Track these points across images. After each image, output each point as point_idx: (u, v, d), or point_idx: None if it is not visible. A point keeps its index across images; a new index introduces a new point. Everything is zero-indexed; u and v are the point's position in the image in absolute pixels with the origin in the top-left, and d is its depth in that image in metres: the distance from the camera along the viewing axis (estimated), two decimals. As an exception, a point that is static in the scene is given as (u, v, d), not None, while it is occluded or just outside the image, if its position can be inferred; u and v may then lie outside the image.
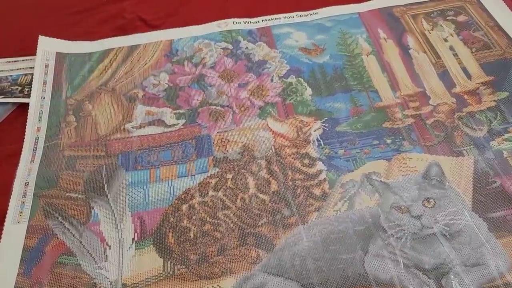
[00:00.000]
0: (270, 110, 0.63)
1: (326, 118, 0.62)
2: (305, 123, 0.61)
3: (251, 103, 0.65)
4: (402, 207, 0.51)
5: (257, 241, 0.51)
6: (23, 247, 0.51)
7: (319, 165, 0.57)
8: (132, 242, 0.52)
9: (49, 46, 0.72)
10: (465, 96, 0.63)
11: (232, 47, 0.72)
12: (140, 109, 0.65)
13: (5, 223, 0.53)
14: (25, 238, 0.52)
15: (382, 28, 0.73)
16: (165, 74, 0.69)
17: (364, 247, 0.49)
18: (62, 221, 0.53)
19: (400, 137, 0.59)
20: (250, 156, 0.58)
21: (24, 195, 0.56)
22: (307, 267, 0.48)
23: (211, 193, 0.55)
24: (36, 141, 0.61)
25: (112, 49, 0.73)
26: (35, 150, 0.60)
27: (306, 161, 0.57)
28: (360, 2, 0.77)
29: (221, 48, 0.72)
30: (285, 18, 0.76)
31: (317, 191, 0.54)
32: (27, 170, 0.58)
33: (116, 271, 0.49)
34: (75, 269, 0.49)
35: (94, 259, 0.50)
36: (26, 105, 0.65)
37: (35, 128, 0.63)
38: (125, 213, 0.54)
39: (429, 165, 0.55)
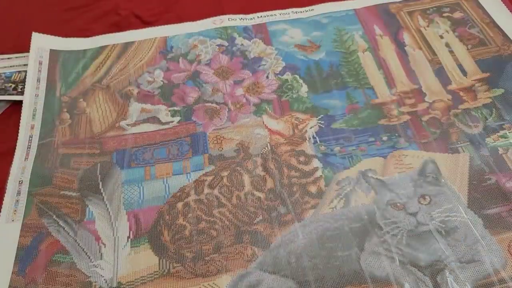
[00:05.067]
0: (266, 107, 0.63)
1: (322, 115, 0.62)
2: (301, 120, 0.61)
3: (246, 100, 0.64)
4: (398, 204, 0.51)
5: (252, 238, 0.51)
6: (18, 245, 0.51)
7: (315, 163, 0.57)
8: (127, 240, 0.51)
9: (42, 43, 0.72)
10: (461, 93, 0.63)
11: (227, 44, 0.72)
12: (135, 106, 0.64)
13: (-1, 222, 0.53)
14: (20, 236, 0.52)
15: (378, 25, 0.73)
16: (160, 71, 0.68)
17: (360, 244, 0.49)
18: (57, 219, 0.53)
19: (396, 134, 0.59)
20: (246, 154, 0.58)
21: (18, 193, 0.55)
22: (303, 265, 0.48)
23: (206, 190, 0.55)
24: (30, 139, 0.61)
25: (107, 46, 0.72)
26: (29, 148, 0.60)
27: (302, 159, 0.57)
28: (356, -1, 0.77)
29: (216, 45, 0.71)
30: (280, 14, 0.76)
31: (313, 189, 0.54)
32: (21, 168, 0.58)
33: (111, 269, 0.49)
34: (70, 268, 0.49)
35: (89, 257, 0.50)
36: (20, 102, 0.65)
37: (29, 125, 0.63)
38: (120, 211, 0.54)
39: (425, 162, 0.55)
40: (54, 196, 0.55)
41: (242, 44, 0.71)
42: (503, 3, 0.74)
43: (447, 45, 0.69)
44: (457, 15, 0.73)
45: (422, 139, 0.58)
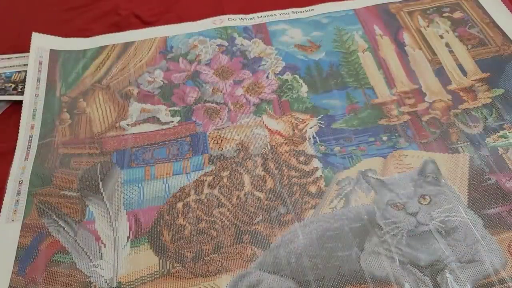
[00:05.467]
0: (266, 107, 0.63)
1: (322, 115, 0.62)
2: (301, 120, 0.61)
3: (246, 100, 0.64)
4: (398, 204, 0.51)
5: (252, 238, 0.51)
6: (18, 245, 0.51)
7: (315, 163, 0.57)
8: (127, 240, 0.51)
9: (42, 43, 0.72)
10: (461, 93, 0.63)
11: (227, 44, 0.72)
12: (135, 106, 0.64)
13: (-1, 222, 0.53)
14: (20, 236, 0.52)
15: (378, 25, 0.73)
16: (160, 71, 0.68)
17: (360, 244, 0.49)
18: (57, 219, 0.53)
19: (396, 134, 0.59)
20: (246, 154, 0.58)
21: (18, 193, 0.55)
22: (303, 265, 0.48)
23: (206, 190, 0.55)
24: (30, 139, 0.61)
25: (107, 46, 0.72)
26: (29, 148, 0.60)
27: (302, 159, 0.57)
28: (356, -1, 0.77)
29: (216, 45, 0.71)
30: (280, 14, 0.76)
31: (313, 189, 0.54)
32: (21, 168, 0.58)
33: (111, 269, 0.49)
34: (70, 268, 0.49)
35: (89, 257, 0.50)
36: (20, 102, 0.65)
37: (29, 125, 0.63)
38: (120, 211, 0.54)
39: (425, 162, 0.55)
40: (54, 196, 0.55)
41: (242, 44, 0.71)
42: (503, 3, 0.74)
43: (447, 45, 0.69)
44: (457, 15, 0.73)
45: (422, 139, 0.58)
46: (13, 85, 0.68)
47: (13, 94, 0.66)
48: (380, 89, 0.65)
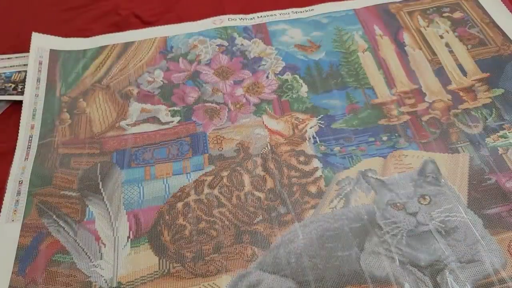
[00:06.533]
0: (266, 107, 0.63)
1: (322, 115, 0.62)
2: (301, 120, 0.61)
3: (246, 100, 0.64)
4: (398, 204, 0.51)
5: (252, 238, 0.51)
6: (18, 245, 0.51)
7: (315, 163, 0.57)
8: (127, 240, 0.51)
9: (42, 43, 0.72)
10: (461, 93, 0.63)
11: (227, 44, 0.72)
12: (135, 106, 0.64)
13: (-1, 222, 0.53)
14: (20, 236, 0.52)
15: (378, 25, 0.73)
16: (160, 71, 0.68)
17: (360, 244, 0.49)
18: (57, 219, 0.53)
19: (396, 134, 0.59)
20: (246, 154, 0.58)
21: (18, 193, 0.55)
22: (303, 265, 0.48)
23: (206, 190, 0.55)
24: (30, 139, 0.61)
25: (107, 46, 0.72)
26: (29, 148, 0.60)
27: (302, 159, 0.57)
28: (356, -1, 0.77)
29: (216, 45, 0.71)
30: (280, 14, 0.76)
31: (313, 189, 0.54)
32: (21, 168, 0.58)
33: (111, 269, 0.49)
34: (70, 268, 0.49)
35: (89, 257, 0.50)
36: (20, 102, 0.65)
37: (29, 126, 0.63)
38: (120, 211, 0.54)
39: (425, 162, 0.55)
40: (54, 196, 0.55)
41: (242, 44, 0.71)
42: (503, 3, 0.74)
43: (447, 45, 0.69)
44: (457, 15, 0.73)
45: (422, 139, 0.58)
46: (13, 85, 0.68)
47: (13, 94, 0.66)
48: (380, 89, 0.65)
